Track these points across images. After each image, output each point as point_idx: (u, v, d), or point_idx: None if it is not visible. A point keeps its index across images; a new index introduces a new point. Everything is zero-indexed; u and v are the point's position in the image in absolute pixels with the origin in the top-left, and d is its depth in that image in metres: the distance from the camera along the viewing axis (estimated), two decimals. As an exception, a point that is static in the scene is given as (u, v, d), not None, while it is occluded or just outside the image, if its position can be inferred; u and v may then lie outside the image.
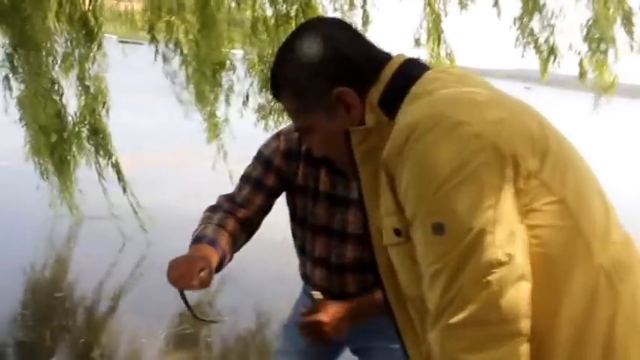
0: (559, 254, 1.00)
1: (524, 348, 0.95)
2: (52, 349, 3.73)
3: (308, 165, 1.81)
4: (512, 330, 0.94)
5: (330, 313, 1.76)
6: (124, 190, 5.23)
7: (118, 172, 5.15)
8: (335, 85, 1.16)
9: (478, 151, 0.98)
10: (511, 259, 0.95)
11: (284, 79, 1.24)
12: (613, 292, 1.00)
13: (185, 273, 1.52)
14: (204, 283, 1.54)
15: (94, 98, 4.89)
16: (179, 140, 9.79)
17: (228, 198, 1.85)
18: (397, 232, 1.08)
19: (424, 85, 1.12)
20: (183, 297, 1.56)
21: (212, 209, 1.82)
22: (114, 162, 5.12)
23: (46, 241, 5.58)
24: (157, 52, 5.51)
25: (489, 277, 0.94)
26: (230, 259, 1.75)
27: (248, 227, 1.82)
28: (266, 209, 1.85)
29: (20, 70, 4.53)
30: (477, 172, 0.97)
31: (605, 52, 4.81)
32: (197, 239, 1.68)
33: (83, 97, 4.90)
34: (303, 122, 1.26)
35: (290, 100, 1.25)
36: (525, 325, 0.95)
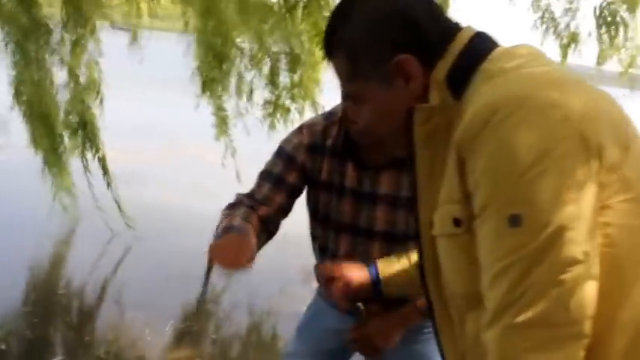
0: (628, 256, 0.94)
1: (584, 350, 0.91)
2: (55, 347, 3.76)
3: (334, 160, 1.76)
4: (577, 332, 0.90)
5: (377, 324, 1.75)
6: (108, 184, 5.15)
7: (104, 167, 5.08)
8: (398, 51, 1.06)
9: (564, 138, 0.91)
10: (587, 257, 0.90)
11: (341, 37, 1.12)
12: None
13: (239, 252, 1.51)
14: (251, 262, 1.52)
15: (84, 88, 4.81)
16: (176, 134, 9.76)
17: (248, 195, 1.78)
18: (456, 222, 1.00)
19: (497, 62, 1.03)
20: (208, 278, 1.58)
21: (232, 206, 1.75)
22: (100, 156, 5.03)
23: (46, 235, 5.58)
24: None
25: (564, 276, 0.89)
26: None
27: (269, 226, 1.76)
28: (286, 209, 1.79)
29: (15, 57, 4.47)
30: (562, 161, 0.90)
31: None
32: (226, 229, 1.60)
33: (72, 87, 4.82)
34: (353, 89, 1.15)
35: (343, 62, 1.13)
36: (589, 326, 0.90)
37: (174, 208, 6.31)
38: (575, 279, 0.89)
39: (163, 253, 5.32)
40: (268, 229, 1.75)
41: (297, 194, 1.80)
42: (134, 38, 5.28)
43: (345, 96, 1.20)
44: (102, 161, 5.07)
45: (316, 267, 1.75)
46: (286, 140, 1.80)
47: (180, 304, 4.41)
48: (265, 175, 1.79)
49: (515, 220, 0.90)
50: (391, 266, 1.66)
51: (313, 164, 1.76)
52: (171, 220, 6.19)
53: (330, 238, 1.81)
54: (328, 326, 1.90)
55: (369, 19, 1.08)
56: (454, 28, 1.09)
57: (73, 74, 4.77)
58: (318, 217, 1.82)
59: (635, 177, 0.96)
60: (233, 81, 5.36)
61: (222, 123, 5.36)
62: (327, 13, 4.67)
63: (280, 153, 1.79)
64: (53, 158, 4.79)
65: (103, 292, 4.63)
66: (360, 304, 1.77)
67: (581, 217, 0.90)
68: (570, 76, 1.02)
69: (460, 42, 1.06)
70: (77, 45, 4.70)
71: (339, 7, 1.16)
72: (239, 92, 5.40)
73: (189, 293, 4.50)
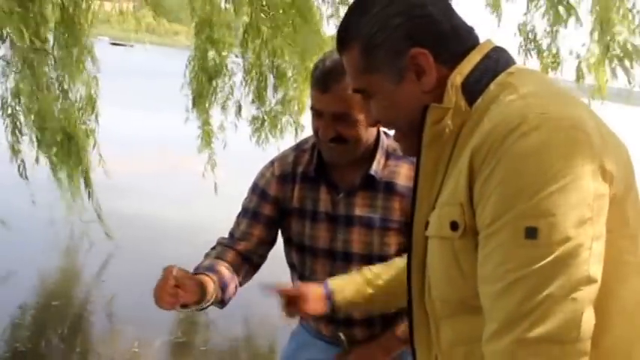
0: (614, 289, 0.95)
1: None
2: (47, 358, 3.77)
3: (305, 186, 1.78)
4: (584, 349, 0.89)
5: (360, 353, 1.79)
6: (89, 196, 5.18)
7: (86, 179, 5.14)
8: (414, 45, 1.06)
9: (587, 158, 0.91)
10: (597, 279, 0.91)
11: (358, 29, 1.11)
12: None
13: (160, 293, 1.48)
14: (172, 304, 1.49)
15: (77, 104, 4.91)
16: (169, 148, 9.83)
17: (229, 234, 1.83)
18: (453, 226, 1.00)
19: (517, 77, 1.04)
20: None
21: (211, 249, 1.81)
22: (83, 169, 5.09)
23: (46, 246, 5.64)
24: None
25: (577, 294, 0.88)
26: (236, 287, 1.73)
27: (250, 259, 1.79)
28: (267, 240, 1.82)
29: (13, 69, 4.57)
30: (582, 180, 0.90)
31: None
32: (194, 270, 1.65)
33: (62, 101, 4.90)
34: (362, 83, 1.13)
35: (356, 56, 1.12)
36: (590, 344, 0.90)
37: (163, 218, 6.36)
38: (585, 298, 0.89)
39: (150, 264, 5.36)
40: (251, 262, 1.79)
41: (276, 225, 1.83)
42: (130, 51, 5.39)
43: (354, 90, 1.19)
44: (84, 173, 5.13)
45: (278, 290, 1.69)
46: (259, 175, 1.84)
47: (172, 317, 4.41)
48: (242, 213, 1.83)
49: (531, 233, 0.89)
50: (345, 280, 1.64)
51: (285, 194, 1.79)
52: (163, 229, 6.29)
53: (307, 265, 1.81)
54: (313, 358, 1.89)
55: (387, 12, 1.08)
56: (471, 33, 1.11)
57: (64, 90, 4.87)
58: (292, 245, 1.82)
59: (633, 216, 0.98)
60: (221, 96, 5.48)
61: (206, 137, 5.49)
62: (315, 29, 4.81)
63: (254, 189, 1.83)
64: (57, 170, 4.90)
65: (93, 304, 4.66)
66: (341, 333, 1.80)
67: (597, 238, 0.90)
68: (583, 102, 1.05)
69: (481, 52, 1.07)
70: (72, 61, 4.79)
71: (356, 2, 1.14)
72: (224, 107, 5.52)
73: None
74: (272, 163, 1.85)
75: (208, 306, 1.63)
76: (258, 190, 1.82)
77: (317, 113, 1.66)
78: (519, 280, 0.89)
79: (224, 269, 1.70)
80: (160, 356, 3.94)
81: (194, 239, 5.08)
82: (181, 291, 1.48)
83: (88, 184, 5.14)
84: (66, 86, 4.85)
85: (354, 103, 1.59)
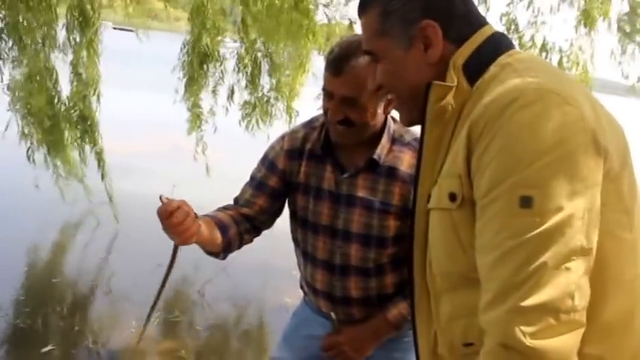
0: (611, 262, 0.97)
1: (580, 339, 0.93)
2: (46, 336, 3.81)
3: (311, 163, 1.83)
4: (579, 320, 0.91)
5: (349, 333, 1.83)
6: (102, 177, 5.27)
7: (99, 159, 5.23)
8: (426, 16, 1.13)
9: (579, 133, 0.94)
10: (591, 250, 0.93)
11: None
12: None
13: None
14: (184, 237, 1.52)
15: (85, 85, 4.95)
16: (167, 130, 9.87)
17: (233, 201, 1.90)
18: (452, 197, 1.03)
19: (514, 56, 1.10)
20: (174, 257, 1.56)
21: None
22: (98, 150, 5.19)
23: (42, 227, 5.67)
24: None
25: (571, 264, 0.90)
26: (239, 236, 1.79)
27: (251, 221, 1.85)
28: (270, 210, 1.88)
29: (14, 54, 4.57)
30: (576, 153, 0.93)
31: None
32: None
33: (75, 84, 4.97)
34: (374, 46, 1.20)
35: (374, 18, 1.18)
36: (585, 317, 0.92)
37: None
38: (580, 268, 0.90)
39: (150, 244, 5.43)
40: (252, 224, 1.85)
41: (280, 196, 1.88)
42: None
43: (365, 52, 1.25)
44: (98, 154, 5.21)
45: (324, 343, 1.82)
46: (270, 147, 1.91)
47: (168, 296, 4.49)
48: (249, 182, 1.91)
49: (526, 202, 0.91)
50: None
51: (292, 168, 1.84)
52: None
53: (309, 241, 1.85)
54: (314, 333, 1.94)
55: None
56: (480, 18, 1.17)
57: (75, 71, 4.91)
58: (297, 219, 1.88)
59: (627, 192, 1.01)
60: (212, 81, 5.54)
61: (195, 119, 5.58)
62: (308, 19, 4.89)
63: (264, 159, 1.90)
64: (53, 150, 4.93)
65: (93, 282, 4.70)
66: (332, 312, 1.86)
67: (590, 209, 0.93)
68: (578, 83, 1.13)
69: (482, 35, 1.14)
70: (80, 44, 4.83)
71: None
72: (214, 92, 5.57)
73: (175, 284, 4.62)
74: (283, 137, 1.91)
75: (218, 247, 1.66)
76: (267, 162, 1.88)
77: (328, 94, 1.71)
78: (514, 248, 0.91)
79: (222, 214, 1.77)
80: (156, 335, 4.00)
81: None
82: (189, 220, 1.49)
83: (101, 164, 5.22)
84: (81, 69, 4.89)
85: (363, 89, 1.64)
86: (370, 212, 1.76)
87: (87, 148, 5.18)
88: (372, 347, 1.84)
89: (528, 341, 0.88)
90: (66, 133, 4.90)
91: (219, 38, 5.26)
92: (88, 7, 4.70)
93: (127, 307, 4.22)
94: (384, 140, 1.77)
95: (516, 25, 5.27)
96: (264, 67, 5.27)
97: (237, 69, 5.33)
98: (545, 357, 0.88)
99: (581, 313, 0.91)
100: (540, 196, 0.91)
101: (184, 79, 5.44)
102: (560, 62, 5.13)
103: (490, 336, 0.94)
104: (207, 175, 5.56)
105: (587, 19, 4.84)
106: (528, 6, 5.14)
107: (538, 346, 0.88)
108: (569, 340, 0.90)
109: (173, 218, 1.47)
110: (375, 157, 1.76)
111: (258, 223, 1.87)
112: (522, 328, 0.89)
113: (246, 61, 5.23)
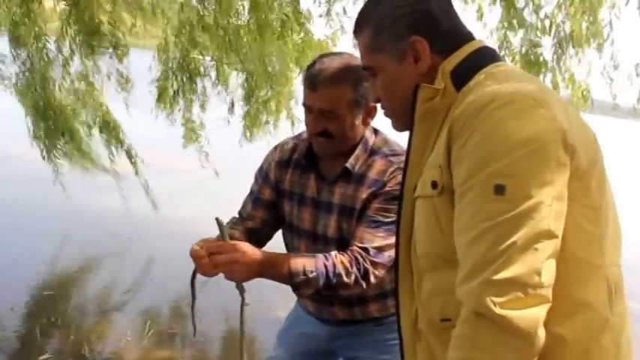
0: (575, 253, 1.07)
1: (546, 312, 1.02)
2: (42, 345, 3.84)
3: (297, 172, 1.95)
4: (544, 296, 1.00)
5: (221, 246, 1.66)
6: (136, 173, 5.44)
7: (129, 156, 5.40)
8: (414, 33, 1.24)
9: (550, 131, 1.05)
10: (558, 235, 1.02)
11: (371, 16, 1.32)
12: (608, 310, 1.10)
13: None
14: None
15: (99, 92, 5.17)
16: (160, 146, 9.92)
17: (238, 214, 2.01)
18: (434, 185, 1.14)
19: (500, 67, 1.21)
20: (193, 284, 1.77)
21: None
22: (126, 149, 5.37)
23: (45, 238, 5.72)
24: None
25: (538, 245, 0.99)
26: None
27: (257, 235, 1.95)
28: (271, 222, 2.00)
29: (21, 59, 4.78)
30: (548, 148, 1.03)
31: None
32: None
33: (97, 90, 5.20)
34: (370, 61, 1.32)
35: (367, 36, 1.31)
36: (551, 295, 1.01)
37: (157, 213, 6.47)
38: (546, 250, 1.01)
39: (147, 256, 5.52)
40: (258, 238, 1.94)
41: (277, 207, 1.99)
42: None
43: (363, 68, 1.37)
44: (128, 152, 5.41)
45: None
46: (265, 159, 2.03)
47: (164, 307, 4.55)
48: (249, 194, 2.03)
49: (500, 189, 1.02)
50: None
51: (281, 177, 1.97)
52: (155, 224, 6.41)
53: (294, 244, 1.97)
54: (305, 331, 2.09)
55: (396, 3, 1.28)
56: (466, 33, 1.29)
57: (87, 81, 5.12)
58: (285, 224, 2.00)
59: (595, 189, 1.11)
60: (199, 95, 5.66)
61: (191, 133, 5.71)
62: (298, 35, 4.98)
63: (260, 170, 2.02)
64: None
65: (88, 293, 4.75)
66: (217, 217, 1.69)
67: (558, 198, 1.03)
68: (555, 93, 1.24)
69: (471, 46, 1.26)
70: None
71: None
72: (202, 106, 5.70)
73: (170, 295, 4.68)
74: (275, 148, 2.04)
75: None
76: (262, 173, 2.01)
77: (307, 108, 1.83)
78: (487, 230, 1.02)
79: (238, 234, 1.87)
80: (151, 346, 4.04)
81: (186, 234, 5.21)
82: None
83: (133, 161, 5.39)
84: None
85: (339, 102, 1.78)
86: (342, 217, 1.87)
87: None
88: (242, 274, 1.68)
89: (498, 310, 0.98)
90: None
91: (204, 54, 5.37)
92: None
93: (122, 318, 4.25)
94: (359, 150, 1.88)
95: (509, 42, 5.36)
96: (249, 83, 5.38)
97: (216, 84, 5.45)
98: (513, 325, 0.98)
99: (547, 289, 1.01)
100: (512, 185, 1.02)
101: (170, 94, 5.55)
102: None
103: (465, 306, 1.03)
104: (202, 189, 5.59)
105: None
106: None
107: (507, 315, 0.98)
108: (535, 313, 0.99)
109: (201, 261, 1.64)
110: (348, 165, 1.86)
111: (264, 236, 1.99)
112: (493, 298, 0.98)
113: (239, 77, 5.33)
